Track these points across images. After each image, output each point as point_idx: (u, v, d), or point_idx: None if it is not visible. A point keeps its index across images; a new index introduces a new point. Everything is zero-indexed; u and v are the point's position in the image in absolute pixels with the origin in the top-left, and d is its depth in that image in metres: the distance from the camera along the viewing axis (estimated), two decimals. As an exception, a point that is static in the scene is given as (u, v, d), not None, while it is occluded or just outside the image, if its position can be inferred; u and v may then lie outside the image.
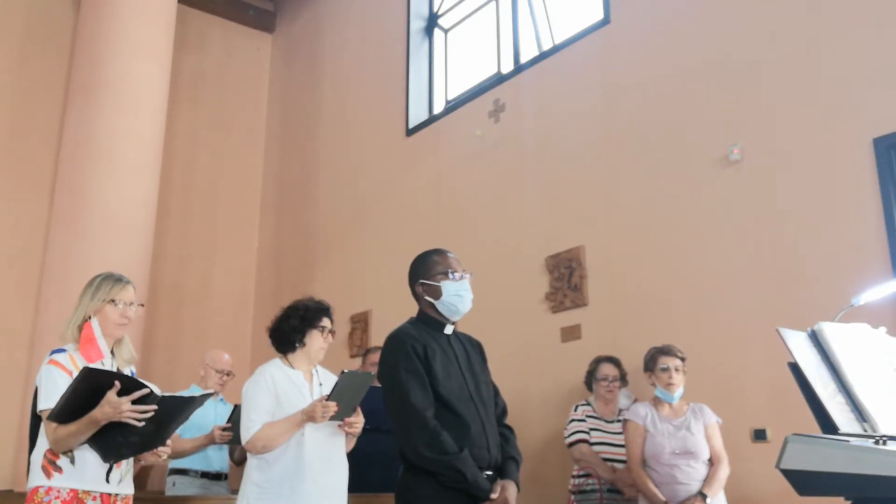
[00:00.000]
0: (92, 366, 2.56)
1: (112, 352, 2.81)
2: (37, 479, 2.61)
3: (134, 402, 2.51)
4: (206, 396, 2.74)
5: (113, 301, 2.76)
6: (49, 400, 2.58)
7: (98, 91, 6.40)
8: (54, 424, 2.56)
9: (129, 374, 2.76)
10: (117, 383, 2.49)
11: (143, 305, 2.92)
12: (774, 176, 4.20)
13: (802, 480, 1.86)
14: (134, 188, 6.38)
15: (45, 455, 2.62)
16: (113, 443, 2.59)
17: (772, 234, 4.16)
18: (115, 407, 2.48)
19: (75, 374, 2.55)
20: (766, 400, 4.00)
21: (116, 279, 2.83)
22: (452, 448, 2.54)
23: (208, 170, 8.11)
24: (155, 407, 2.53)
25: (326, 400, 3.03)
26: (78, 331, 2.74)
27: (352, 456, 3.30)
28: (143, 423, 2.53)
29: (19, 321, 6.40)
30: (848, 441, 1.91)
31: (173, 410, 2.66)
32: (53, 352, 2.71)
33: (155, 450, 2.72)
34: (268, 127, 8.61)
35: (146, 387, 2.55)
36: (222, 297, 7.91)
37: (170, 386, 3.97)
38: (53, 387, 2.58)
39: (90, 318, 2.75)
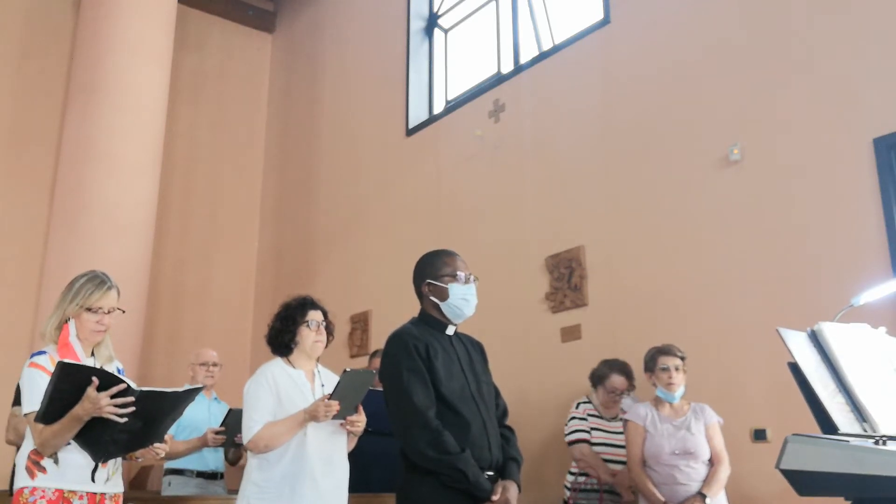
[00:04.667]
0: (67, 360, 2.55)
1: (93, 352, 2.80)
2: (21, 479, 2.61)
3: (114, 398, 2.50)
4: (195, 391, 2.71)
5: (90, 309, 2.72)
6: (32, 403, 2.57)
7: (98, 91, 6.41)
8: (40, 426, 2.55)
9: (115, 371, 2.75)
10: (95, 379, 2.48)
11: (123, 311, 2.85)
12: (774, 176, 4.21)
13: (802, 480, 1.86)
14: (134, 188, 6.39)
15: (29, 456, 2.61)
16: (100, 441, 2.58)
17: (772, 234, 4.16)
18: (94, 402, 2.47)
19: None
20: (766, 400, 4.00)
21: (98, 283, 2.76)
22: (454, 448, 2.53)
23: (208, 170, 8.10)
24: (132, 399, 2.51)
25: (329, 399, 3.02)
26: (56, 332, 2.72)
27: (353, 456, 3.30)
28: (126, 420, 2.52)
29: (19, 321, 6.40)
30: (848, 441, 1.91)
31: (158, 406, 2.63)
32: (34, 354, 2.70)
33: (151, 447, 2.71)
34: (268, 127, 8.61)
35: (123, 382, 2.54)
36: (222, 297, 7.91)
37: (169, 386, 3.96)
38: (35, 389, 2.57)
39: (69, 320, 2.72)
